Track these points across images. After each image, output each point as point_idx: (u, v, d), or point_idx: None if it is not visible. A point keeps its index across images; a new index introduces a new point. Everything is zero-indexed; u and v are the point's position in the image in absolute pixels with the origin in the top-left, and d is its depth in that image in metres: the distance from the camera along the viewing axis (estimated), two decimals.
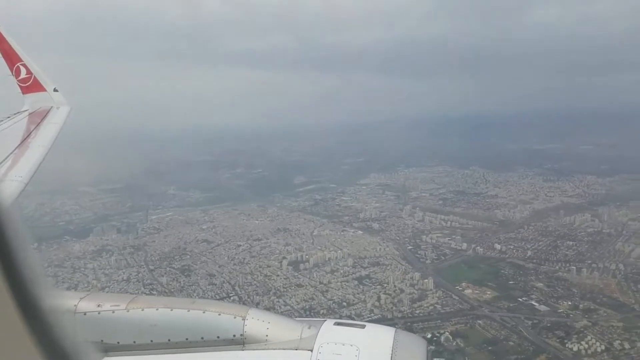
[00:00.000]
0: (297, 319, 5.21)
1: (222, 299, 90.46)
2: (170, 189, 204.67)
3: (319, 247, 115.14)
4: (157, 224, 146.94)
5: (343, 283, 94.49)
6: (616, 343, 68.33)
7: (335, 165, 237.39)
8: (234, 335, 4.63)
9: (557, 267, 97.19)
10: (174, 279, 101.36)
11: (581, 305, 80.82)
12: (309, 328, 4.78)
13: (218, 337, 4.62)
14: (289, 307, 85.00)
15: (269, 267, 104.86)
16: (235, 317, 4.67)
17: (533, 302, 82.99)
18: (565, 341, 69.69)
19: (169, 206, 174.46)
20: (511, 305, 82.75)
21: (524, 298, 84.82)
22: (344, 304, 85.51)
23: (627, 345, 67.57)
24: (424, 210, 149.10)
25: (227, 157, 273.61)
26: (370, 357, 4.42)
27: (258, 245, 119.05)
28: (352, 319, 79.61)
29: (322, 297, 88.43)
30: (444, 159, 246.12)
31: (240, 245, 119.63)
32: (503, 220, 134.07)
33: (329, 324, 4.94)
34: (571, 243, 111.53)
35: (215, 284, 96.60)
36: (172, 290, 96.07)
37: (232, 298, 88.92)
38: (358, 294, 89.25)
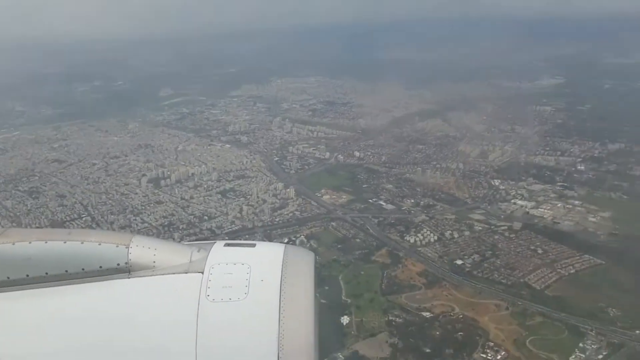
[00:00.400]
0: (185, 242, 5.02)
1: (73, 220, 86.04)
2: (17, 105, 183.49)
3: (183, 163, 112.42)
4: (2, 145, 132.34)
5: (206, 197, 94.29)
6: (447, 233, 77.55)
7: (205, 77, 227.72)
8: (118, 264, 4.40)
9: (406, 170, 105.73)
10: (20, 202, 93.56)
11: (422, 202, 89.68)
12: (199, 251, 4.64)
13: (101, 267, 4.37)
14: (146, 225, 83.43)
15: (126, 186, 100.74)
16: (117, 246, 4.43)
17: (381, 202, 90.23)
18: (405, 235, 77.53)
19: (16, 124, 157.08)
20: (362, 206, 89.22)
21: (374, 199, 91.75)
22: (205, 217, 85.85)
23: (456, 235, 77.06)
24: (293, 122, 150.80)
25: (81, 69, 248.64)
26: (262, 273, 4.43)
27: (116, 164, 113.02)
28: (213, 232, 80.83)
29: (183, 213, 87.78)
30: (318, 69, 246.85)
31: (96, 164, 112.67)
32: (365, 129, 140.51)
33: (219, 245, 4.81)
34: (421, 147, 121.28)
35: (66, 206, 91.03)
36: (18, 214, 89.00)
37: (84, 219, 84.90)
38: (220, 207, 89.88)
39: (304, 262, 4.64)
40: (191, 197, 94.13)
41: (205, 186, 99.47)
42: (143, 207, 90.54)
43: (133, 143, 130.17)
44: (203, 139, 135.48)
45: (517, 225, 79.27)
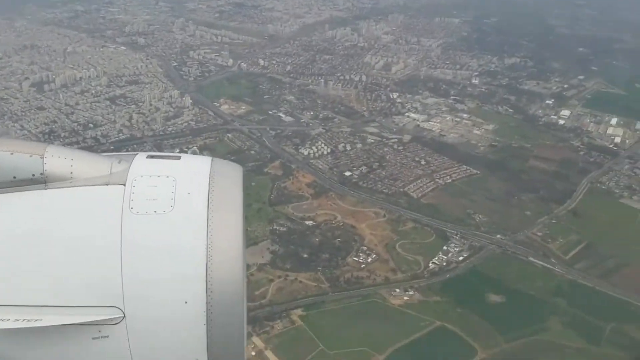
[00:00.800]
0: (105, 154, 4.67)
1: None
2: None
3: (71, 66, 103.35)
4: None
5: (93, 104, 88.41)
6: (340, 146, 79.24)
7: None
8: (33, 175, 4.09)
9: (310, 81, 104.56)
10: None
11: (321, 115, 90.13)
12: (119, 162, 4.31)
13: (14, 177, 4.07)
14: (25, 132, 77.73)
15: (6, 90, 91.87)
16: (31, 156, 4.11)
17: (281, 114, 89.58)
18: (300, 147, 78.26)
19: None
20: (261, 118, 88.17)
21: (273, 111, 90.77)
22: (90, 125, 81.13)
23: (348, 147, 78.97)
24: (197, 24, 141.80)
25: None
26: (188, 185, 4.15)
27: None
28: (97, 140, 76.90)
29: (66, 120, 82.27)
30: None
31: None
32: (273, 35, 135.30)
33: (141, 157, 4.47)
34: (328, 57, 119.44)
35: None
36: None
37: None
38: (108, 114, 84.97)
39: (232, 175, 4.48)
40: (76, 103, 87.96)
41: (93, 92, 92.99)
42: (23, 113, 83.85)
43: (18, 43, 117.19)
44: (96, 40, 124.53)
45: (406, 137, 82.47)
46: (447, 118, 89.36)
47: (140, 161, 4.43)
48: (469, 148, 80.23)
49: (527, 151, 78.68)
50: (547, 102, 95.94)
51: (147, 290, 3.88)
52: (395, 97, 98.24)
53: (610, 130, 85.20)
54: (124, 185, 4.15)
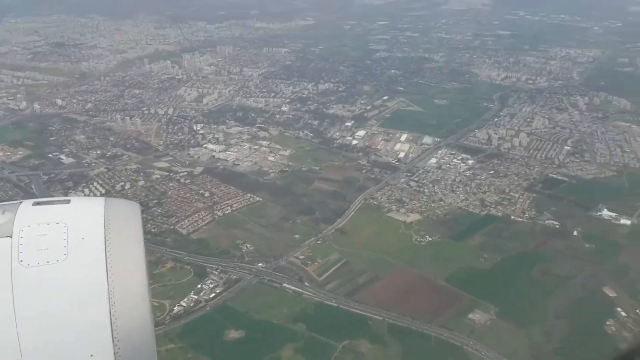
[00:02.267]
0: None
1: None
2: None
3: None
4: None
5: None
6: (119, 185, 74.29)
7: None
8: None
9: (109, 117, 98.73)
10: None
11: (109, 153, 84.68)
12: (3, 213, 4.14)
13: None
14: None
15: None
16: None
17: (62, 156, 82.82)
18: (70, 191, 71.98)
19: None
20: (37, 162, 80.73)
21: (55, 153, 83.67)
22: None
23: (127, 186, 74.19)
24: (2, 68, 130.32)
25: None
26: (81, 231, 4.03)
27: None
28: None
29: None
30: (63, 5, 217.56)
31: None
32: (85, 73, 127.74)
33: (26, 205, 4.31)
34: (138, 92, 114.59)
35: None
36: None
37: None
38: None
39: (128, 214, 4.39)
40: None
41: None
42: None
43: None
44: None
45: (198, 170, 79.76)
46: (246, 146, 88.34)
47: (26, 209, 4.22)
48: (260, 175, 79.30)
49: (315, 174, 79.50)
50: (346, 124, 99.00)
51: (49, 348, 3.60)
52: (198, 128, 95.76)
53: (397, 147, 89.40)
54: (10, 237, 3.94)
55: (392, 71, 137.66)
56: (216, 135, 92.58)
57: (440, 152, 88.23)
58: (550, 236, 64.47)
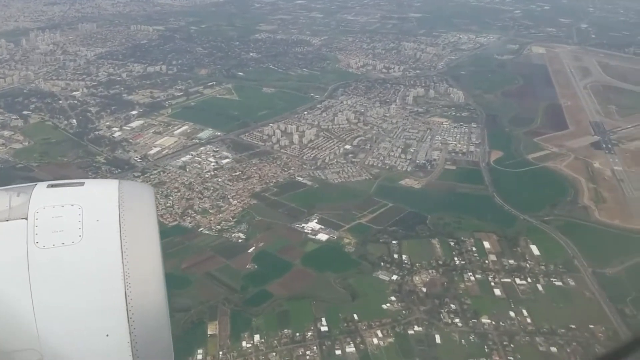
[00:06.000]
0: (1, 187, 4.51)
1: None
2: None
3: None
4: None
5: None
6: None
7: None
8: None
9: None
10: None
11: None
12: (18, 195, 4.27)
13: None
14: None
15: None
16: None
17: None
18: None
19: None
20: None
21: None
22: None
23: None
24: None
25: None
26: (96, 212, 4.15)
27: None
28: None
29: None
30: None
31: None
32: None
33: (41, 187, 4.42)
34: None
35: None
36: None
37: None
38: None
39: (142, 196, 4.49)
40: None
41: None
42: None
43: None
44: None
45: None
46: None
47: (41, 191, 4.32)
48: None
49: (26, 172, 72.55)
50: (132, 112, 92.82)
51: (64, 327, 3.77)
52: None
53: (160, 141, 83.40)
54: (26, 219, 4.04)
55: (251, 54, 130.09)
56: None
57: (202, 148, 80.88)
58: (218, 252, 57.02)
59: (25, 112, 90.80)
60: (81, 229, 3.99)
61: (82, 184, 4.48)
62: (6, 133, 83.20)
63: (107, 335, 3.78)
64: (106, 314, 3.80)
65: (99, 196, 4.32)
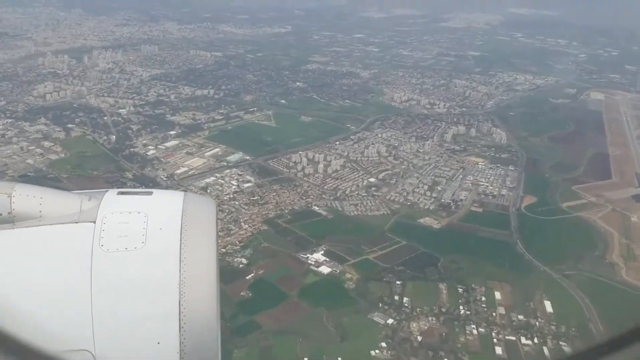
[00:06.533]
0: (75, 191, 4.65)
1: None
2: None
3: None
4: None
5: None
6: None
7: None
8: (0, 214, 4.14)
9: None
10: None
11: None
12: (89, 200, 4.42)
13: None
14: None
15: None
16: None
17: None
18: None
19: None
20: None
21: None
22: None
23: None
24: None
25: None
26: (160, 221, 4.29)
27: None
28: None
29: None
30: None
31: None
32: None
33: (111, 193, 4.61)
34: None
35: None
36: None
37: None
38: None
39: (205, 210, 4.57)
40: None
41: None
42: None
43: None
44: None
45: None
46: (18, 146, 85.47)
47: (111, 198, 4.45)
48: None
49: (55, 182, 75.64)
50: (170, 132, 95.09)
51: (119, 331, 3.80)
52: None
53: (190, 162, 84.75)
54: (94, 222, 4.16)
55: (297, 84, 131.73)
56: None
57: (228, 171, 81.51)
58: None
59: (69, 125, 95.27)
60: (144, 235, 4.12)
61: (151, 193, 4.68)
62: (47, 144, 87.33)
63: (159, 343, 3.83)
64: (159, 321, 3.86)
65: (165, 206, 4.47)
